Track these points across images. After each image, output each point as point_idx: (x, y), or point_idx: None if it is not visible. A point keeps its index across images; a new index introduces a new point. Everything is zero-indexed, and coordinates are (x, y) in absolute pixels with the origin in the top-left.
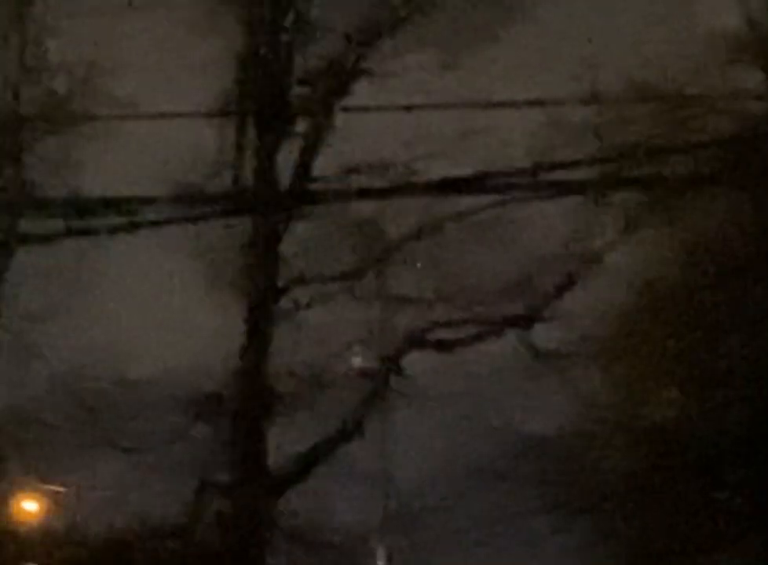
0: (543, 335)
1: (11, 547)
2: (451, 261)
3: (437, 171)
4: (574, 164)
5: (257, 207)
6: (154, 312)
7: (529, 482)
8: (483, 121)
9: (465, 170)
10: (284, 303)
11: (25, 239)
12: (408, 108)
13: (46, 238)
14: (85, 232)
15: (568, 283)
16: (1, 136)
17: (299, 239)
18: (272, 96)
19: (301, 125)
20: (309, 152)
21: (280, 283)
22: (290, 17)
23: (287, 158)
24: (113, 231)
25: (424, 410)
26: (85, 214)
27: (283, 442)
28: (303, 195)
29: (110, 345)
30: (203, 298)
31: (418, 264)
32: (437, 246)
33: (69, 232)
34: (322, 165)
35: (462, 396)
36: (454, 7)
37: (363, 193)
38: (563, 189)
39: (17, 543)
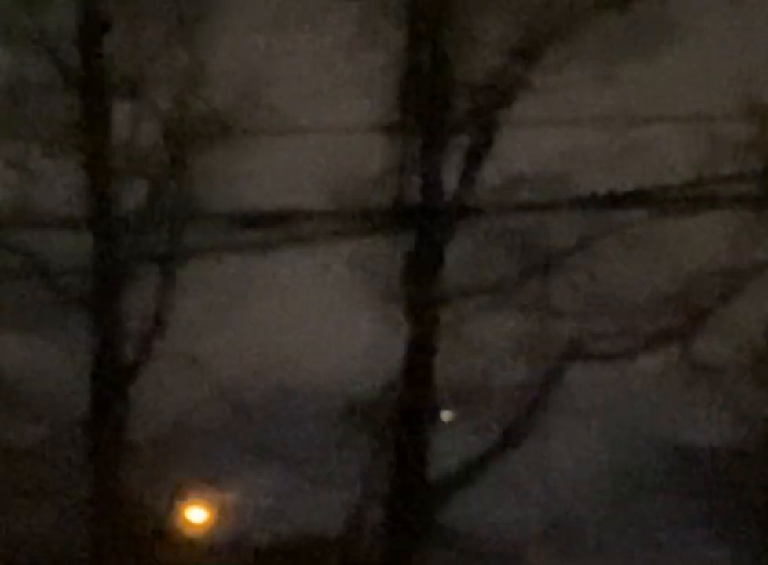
0: (701, 348)
1: (176, 555)
2: (610, 274)
3: (596, 185)
4: (732, 178)
5: (420, 220)
6: (316, 324)
7: (686, 493)
8: (641, 135)
9: (623, 184)
10: (445, 314)
11: (188, 252)
12: (568, 122)
13: (209, 251)
14: (247, 245)
15: (725, 296)
16: (164, 150)
17: (461, 251)
18: (435, 110)
19: (463, 139)
20: (471, 165)
21: (442, 295)
22: (452, 30)
23: (449, 170)
24: (275, 243)
25: (582, 421)
26: (247, 227)
27: (443, 452)
28: (465, 208)
29: (272, 356)
30: (365, 310)
31: (579, 277)
32: (595, 258)
33: (232, 245)
34: (484, 178)
35: (619, 408)
36: (612, 22)
37: (524, 206)
38: (721, 203)
39: (182, 551)
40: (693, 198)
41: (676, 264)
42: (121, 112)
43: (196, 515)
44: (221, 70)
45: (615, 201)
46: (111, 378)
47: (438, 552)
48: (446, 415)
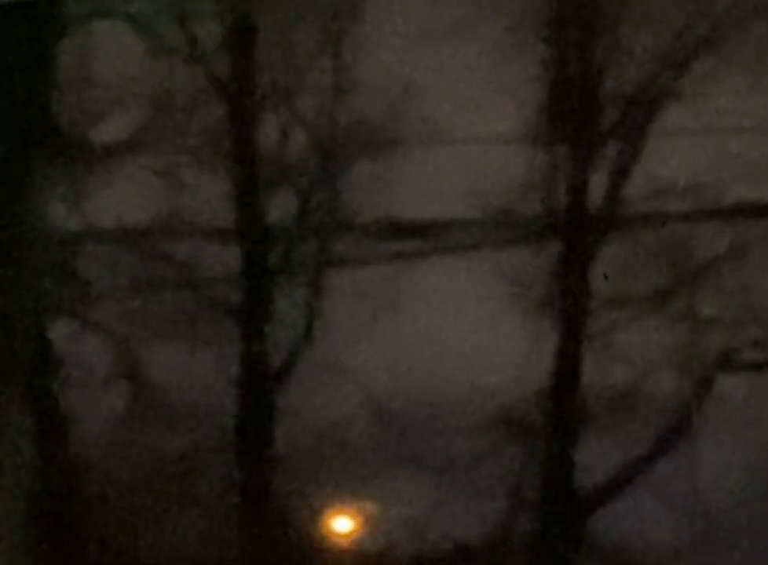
0: None
1: None
2: (761, 283)
3: (746, 193)
4: None
5: (568, 230)
6: (463, 334)
7: None
8: None
9: None
10: (593, 325)
11: (337, 262)
12: (718, 131)
13: (357, 261)
14: (395, 255)
15: None
16: (312, 160)
17: (609, 262)
18: (583, 120)
19: (611, 148)
20: (619, 175)
21: (589, 306)
22: (601, 40)
23: (597, 180)
24: (423, 253)
25: (733, 431)
26: (395, 237)
27: (591, 463)
28: (613, 218)
29: (420, 365)
30: (513, 319)
31: (729, 286)
32: (746, 267)
33: (380, 255)
34: (632, 188)
35: None
36: (761, 30)
37: (673, 216)
38: None
39: (329, 562)
40: None
41: None
42: (269, 122)
43: (343, 525)
44: (370, 79)
45: (765, 209)
46: (259, 387)
47: (586, 562)
48: None
